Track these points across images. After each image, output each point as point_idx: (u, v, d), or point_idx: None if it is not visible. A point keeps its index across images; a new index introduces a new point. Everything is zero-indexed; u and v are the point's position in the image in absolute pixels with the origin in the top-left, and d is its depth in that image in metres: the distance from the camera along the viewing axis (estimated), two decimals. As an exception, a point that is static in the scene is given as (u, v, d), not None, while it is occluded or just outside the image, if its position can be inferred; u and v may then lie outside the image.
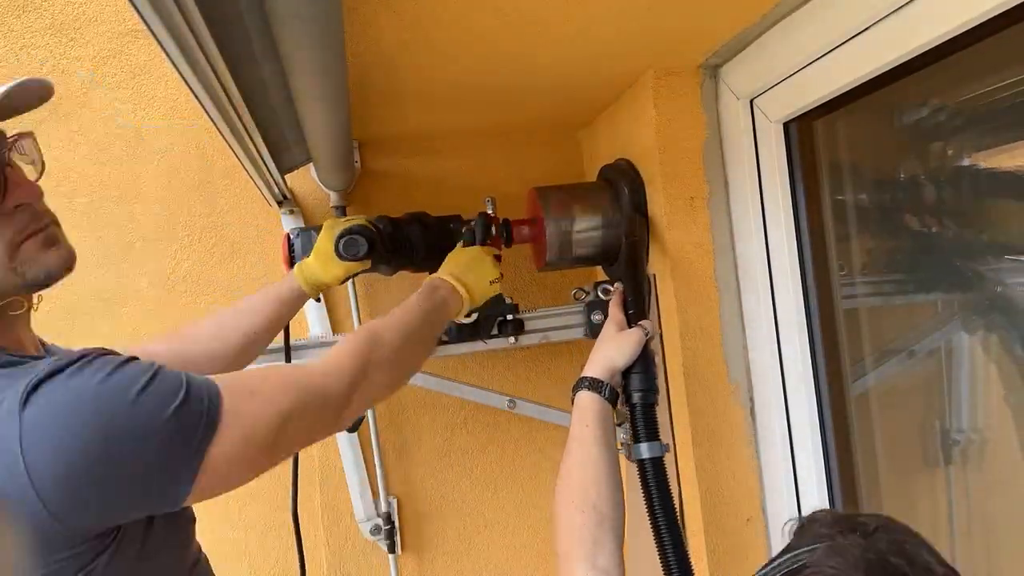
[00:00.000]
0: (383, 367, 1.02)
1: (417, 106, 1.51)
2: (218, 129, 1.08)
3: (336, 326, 1.73)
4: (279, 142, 1.29)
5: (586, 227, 1.52)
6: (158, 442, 0.74)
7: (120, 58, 1.66)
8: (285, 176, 1.52)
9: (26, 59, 1.62)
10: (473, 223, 1.44)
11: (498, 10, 1.03)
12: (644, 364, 1.18)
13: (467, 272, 1.31)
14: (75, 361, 0.75)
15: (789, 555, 0.66)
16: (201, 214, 1.71)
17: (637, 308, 1.30)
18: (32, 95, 0.85)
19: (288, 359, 1.41)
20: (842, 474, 1.39)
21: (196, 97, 0.93)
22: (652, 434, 1.15)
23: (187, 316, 1.68)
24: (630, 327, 1.23)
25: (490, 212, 1.51)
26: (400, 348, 1.07)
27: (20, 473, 0.70)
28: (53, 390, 0.73)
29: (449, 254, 1.38)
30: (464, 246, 1.40)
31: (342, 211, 1.71)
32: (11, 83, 0.81)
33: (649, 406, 1.16)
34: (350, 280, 1.45)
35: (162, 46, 0.76)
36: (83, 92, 1.65)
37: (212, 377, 0.82)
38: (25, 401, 0.71)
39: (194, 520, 0.99)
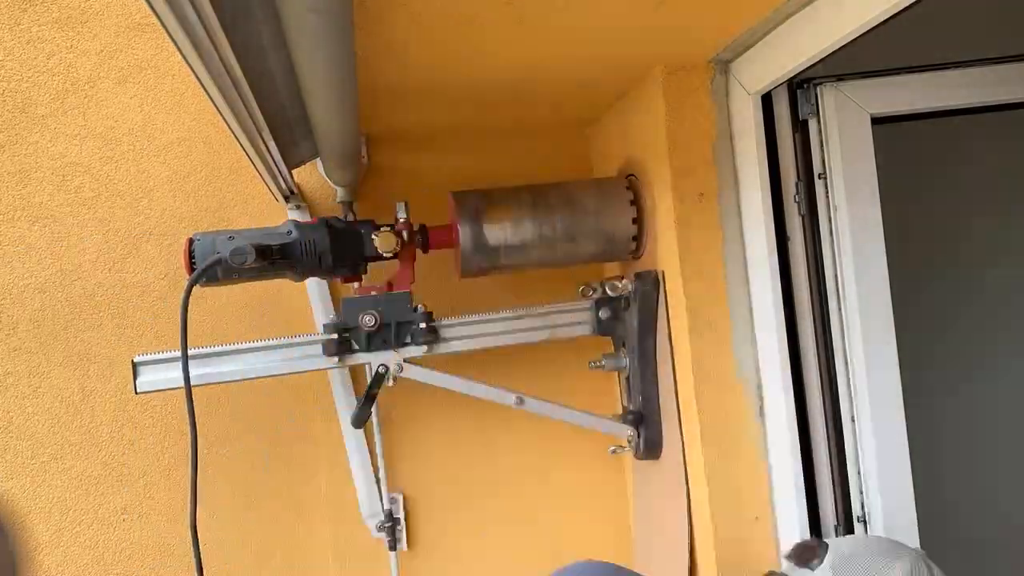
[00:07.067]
0: None
1: (425, 101, 1.50)
2: (226, 123, 1.07)
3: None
4: (287, 137, 1.28)
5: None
6: None
7: (127, 52, 1.65)
8: (292, 171, 1.52)
9: (33, 52, 1.62)
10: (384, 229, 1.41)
11: (508, 5, 1.02)
12: None
13: None
14: None
15: None
16: (208, 209, 1.71)
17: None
18: None
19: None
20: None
21: (205, 90, 0.93)
22: None
23: (194, 311, 1.67)
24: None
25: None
26: None
27: None
28: None
29: None
30: None
31: (349, 206, 1.70)
32: None
33: None
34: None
35: (172, 37, 0.76)
36: (89, 86, 1.65)
37: None
38: None
39: None
